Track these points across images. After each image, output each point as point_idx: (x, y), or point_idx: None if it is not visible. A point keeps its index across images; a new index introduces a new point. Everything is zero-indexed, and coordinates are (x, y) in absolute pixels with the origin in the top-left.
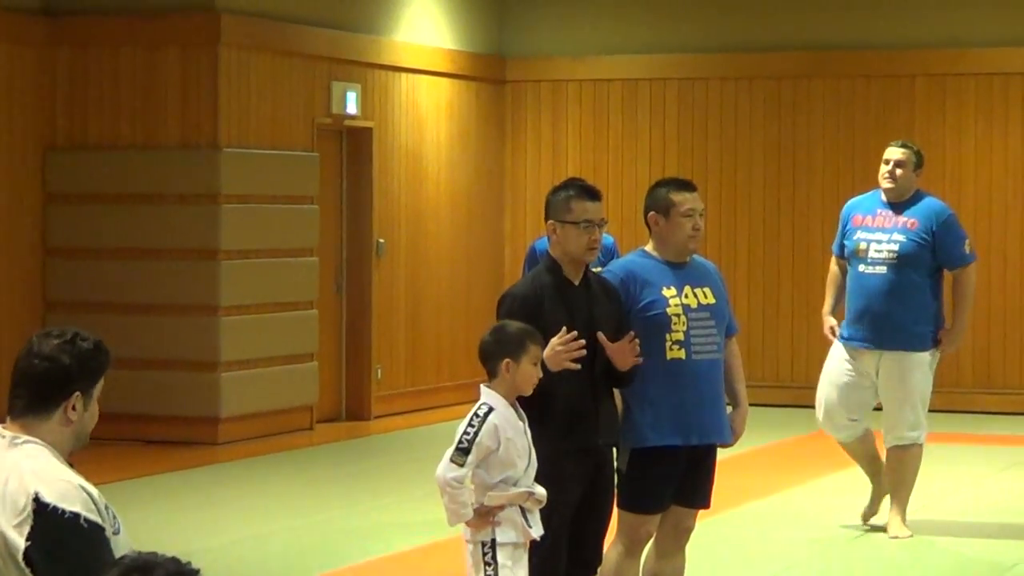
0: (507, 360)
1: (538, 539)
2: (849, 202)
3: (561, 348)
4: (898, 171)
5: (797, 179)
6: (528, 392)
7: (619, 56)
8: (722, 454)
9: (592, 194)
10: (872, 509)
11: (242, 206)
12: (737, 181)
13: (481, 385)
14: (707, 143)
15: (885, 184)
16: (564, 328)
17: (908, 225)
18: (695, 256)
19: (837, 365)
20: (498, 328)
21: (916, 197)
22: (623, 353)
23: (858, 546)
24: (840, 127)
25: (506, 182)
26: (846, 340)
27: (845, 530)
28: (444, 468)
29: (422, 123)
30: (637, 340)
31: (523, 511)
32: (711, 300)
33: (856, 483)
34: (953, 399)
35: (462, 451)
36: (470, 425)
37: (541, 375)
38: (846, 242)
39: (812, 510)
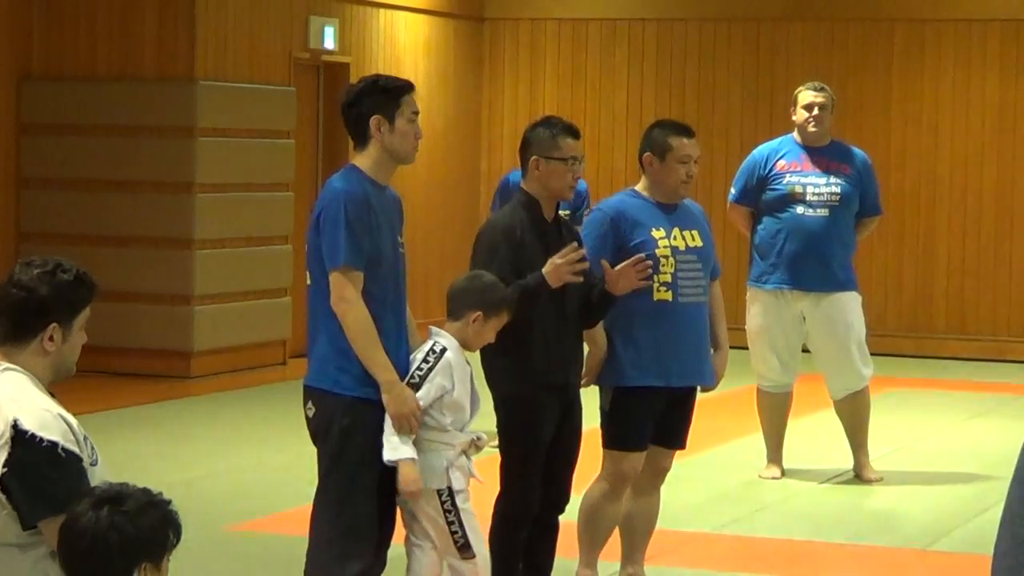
0: (479, 313)
1: (482, 481)
2: (759, 149)
3: (561, 262)
4: (822, 114)
5: (774, 122)
6: (473, 349)
7: None
8: (699, 395)
9: (575, 132)
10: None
11: (218, 139)
12: (714, 123)
13: (431, 327)
14: (684, 85)
15: (811, 128)
16: (568, 250)
17: (842, 169)
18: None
19: (774, 313)
20: (474, 276)
21: (835, 143)
22: (626, 277)
23: (829, 489)
24: (818, 71)
25: (483, 120)
26: (778, 284)
27: (816, 473)
28: None
29: (400, 59)
30: (648, 260)
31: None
32: (699, 243)
33: (828, 426)
34: (926, 345)
35: (413, 387)
36: (424, 361)
37: (492, 340)
38: (774, 187)
39: (785, 452)
